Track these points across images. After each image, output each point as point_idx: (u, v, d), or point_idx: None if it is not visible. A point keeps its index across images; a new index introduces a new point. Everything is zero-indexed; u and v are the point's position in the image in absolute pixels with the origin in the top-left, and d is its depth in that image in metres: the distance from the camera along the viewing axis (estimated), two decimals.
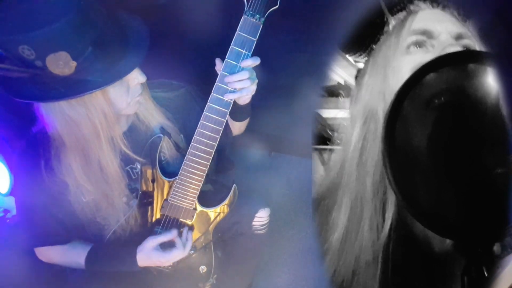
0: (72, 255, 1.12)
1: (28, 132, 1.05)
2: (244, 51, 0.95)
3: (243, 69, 0.96)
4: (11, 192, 1.54)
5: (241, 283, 1.40)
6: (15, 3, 0.82)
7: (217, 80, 0.98)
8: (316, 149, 0.94)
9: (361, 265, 0.70)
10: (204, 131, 1.03)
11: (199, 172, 1.07)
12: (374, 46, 0.78)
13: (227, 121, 1.04)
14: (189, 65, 1.43)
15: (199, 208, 1.14)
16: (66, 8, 0.81)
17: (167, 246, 1.09)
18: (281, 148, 2.11)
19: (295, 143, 1.97)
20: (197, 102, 1.16)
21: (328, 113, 0.93)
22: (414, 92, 0.53)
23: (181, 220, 1.14)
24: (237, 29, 0.94)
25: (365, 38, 0.78)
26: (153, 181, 1.10)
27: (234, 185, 1.17)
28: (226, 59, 0.96)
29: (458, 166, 0.53)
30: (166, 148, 1.11)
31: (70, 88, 0.86)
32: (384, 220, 0.69)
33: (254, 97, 1.06)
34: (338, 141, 0.82)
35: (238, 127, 1.20)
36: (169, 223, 1.13)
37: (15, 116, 1.45)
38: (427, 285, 0.69)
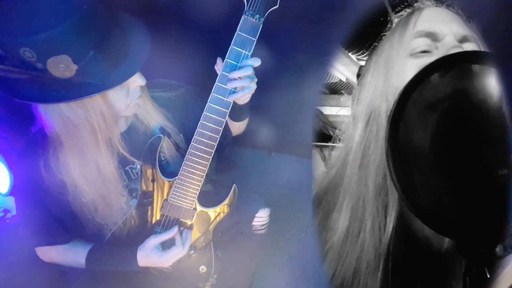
0: (72, 255, 1.12)
1: (28, 132, 1.05)
2: (244, 51, 0.95)
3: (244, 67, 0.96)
4: (11, 192, 1.54)
5: (241, 283, 1.40)
6: (17, 5, 0.82)
7: (217, 80, 0.98)
8: (317, 146, 0.94)
9: (362, 266, 0.70)
10: (204, 131, 1.02)
11: (199, 172, 1.07)
12: (376, 45, 0.77)
13: (226, 121, 1.04)
14: (189, 65, 1.43)
15: (199, 208, 1.14)
16: (69, 12, 0.80)
17: (166, 245, 1.09)
18: (281, 148, 2.11)
19: (295, 143, 1.97)
20: (196, 102, 1.16)
21: (329, 110, 0.93)
22: (418, 93, 0.53)
23: (181, 220, 1.14)
24: (237, 29, 0.94)
25: (368, 37, 0.78)
26: (153, 181, 1.10)
27: (234, 185, 1.16)
28: (226, 59, 0.96)
29: (460, 166, 0.53)
30: (166, 148, 1.11)
31: (70, 90, 0.86)
32: (386, 221, 0.69)
33: (254, 97, 1.06)
34: (340, 138, 0.81)
35: (237, 127, 1.20)
36: (169, 223, 1.13)
37: (15, 116, 1.45)
38: (428, 285, 0.69)
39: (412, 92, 0.53)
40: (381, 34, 0.77)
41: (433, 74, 0.53)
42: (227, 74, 0.97)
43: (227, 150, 1.24)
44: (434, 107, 0.54)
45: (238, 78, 0.96)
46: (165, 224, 1.13)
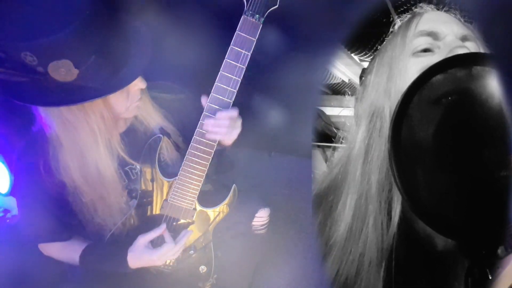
0: (68, 251, 1.12)
1: (28, 132, 1.05)
2: (243, 51, 0.95)
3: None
4: (11, 192, 1.54)
5: (241, 283, 1.40)
6: (20, 8, 0.81)
7: (216, 80, 0.98)
8: (319, 147, 0.94)
9: (365, 263, 0.70)
10: (204, 132, 1.02)
11: (198, 172, 1.07)
12: (379, 46, 0.78)
13: None
14: (189, 65, 1.43)
15: (199, 208, 1.14)
16: (72, 18, 0.79)
17: (157, 243, 1.08)
18: (281, 148, 2.11)
19: (295, 143, 1.97)
20: (195, 108, 1.16)
21: (332, 111, 0.93)
22: (420, 93, 0.54)
23: (181, 220, 1.14)
24: (237, 29, 0.94)
25: (370, 37, 0.79)
26: (152, 180, 1.10)
27: (234, 185, 1.16)
28: (225, 59, 0.96)
29: (462, 167, 0.53)
30: (166, 149, 1.11)
31: (72, 94, 0.85)
32: (390, 219, 0.69)
33: (254, 97, 1.06)
34: (342, 139, 0.82)
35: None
36: (169, 223, 1.13)
37: (15, 116, 1.45)
38: (430, 284, 0.69)
39: (414, 93, 0.53)
40: (384, 36, 0.78)
41: (435, 75, 0.53)
42: (227, 74, 0.97)
43: (227, 150, 1.23)
44: (436, 108, 0.54)
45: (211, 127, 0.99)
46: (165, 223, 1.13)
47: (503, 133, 0.51)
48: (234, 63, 0.96)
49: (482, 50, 0.71)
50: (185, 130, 1.14)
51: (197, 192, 1.10)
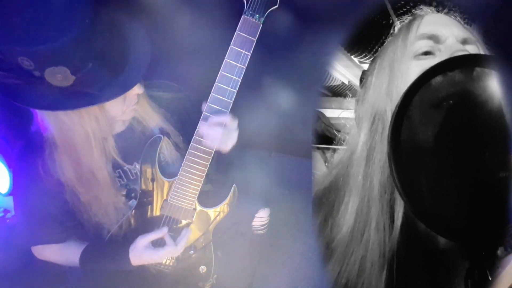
0: (67, 254, 1.12)
1: (28, 131, 1.05)
2: (243, 51, 0.95)
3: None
4: (11, 192, 1.54)
5: (241, 283, 1.40)
6: (19, 13, 0.81)
7: (216, 80, 0.98)
8: (318, 148, 0.94)
9: (367, 265, 0.70)
10: (200, 138, 1.02)
11: (198, 173, 1.07)
12: (378, 49, 0.78)
13: None
14: (188, 64, 1.43)
15: (199, 208, 1.14)
16: (70, 26, 0.79)
17: (159, 243, 1.09)
18: (281, 148, 2.11)
19: (295, 143, 1.97)
20: (194, 108, 1.16)
21: (332, 113, 0.93)
22: (420, 94, 0.54)
23: (181, 220, 1.14)
24: (237, 29, 0.94)
25: (370, 39, 0.79)
26: (152, 180, 1.10)
27: (234, 185, 1.16)
28: (225, 59, 0.96)
29: (462, 168, 0.53)
30: (166, 149, 1.11)
31: (68, 99, 0.85)
32: (393, 221, 0.69)
33: (254, 97, 1.06)
34: (343, 141, 0.82)
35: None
36: (169, 223, 1.13)
37: (15, 116, 1.45)
38: (432, 285, 0.69)
39: (414, 95, 0.53)
40: (383, 38, 0.78)
41: (435, 76, 0.53)
42: (227, 74, 0.97)
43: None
44: (436, 109, 0.54)
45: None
46: (165, 224, 1.13)
47: (503, 134, 0.51)
48: (234, 63, 0.96)
49: (482, 53, 0.72)
50: (185, 130, 1.14)
51: (197, 192, 1.10)
